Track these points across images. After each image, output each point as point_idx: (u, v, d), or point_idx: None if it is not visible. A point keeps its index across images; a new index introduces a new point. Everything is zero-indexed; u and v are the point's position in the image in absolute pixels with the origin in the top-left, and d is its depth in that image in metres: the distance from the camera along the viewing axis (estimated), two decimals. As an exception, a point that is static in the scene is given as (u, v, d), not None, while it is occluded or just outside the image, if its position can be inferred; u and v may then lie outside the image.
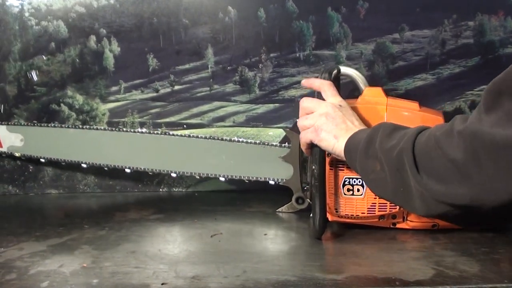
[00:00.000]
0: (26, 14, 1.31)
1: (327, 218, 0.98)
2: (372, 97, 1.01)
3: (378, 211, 0.99)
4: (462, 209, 0.69)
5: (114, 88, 1.36)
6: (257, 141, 1.21)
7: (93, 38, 1.34)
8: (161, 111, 1.38)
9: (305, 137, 0.94)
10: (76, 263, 0.86)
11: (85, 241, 0.98)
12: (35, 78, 1.34)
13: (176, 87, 1.38)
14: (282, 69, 1.38)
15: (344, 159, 0.89)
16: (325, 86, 0.96)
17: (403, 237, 1.00)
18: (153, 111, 1.38)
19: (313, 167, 0.93)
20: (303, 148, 0.98)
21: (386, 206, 0.99)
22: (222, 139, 1.22)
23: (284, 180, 1.17)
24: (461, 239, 0.99)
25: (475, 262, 0.86)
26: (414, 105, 1.01)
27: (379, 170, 0.80)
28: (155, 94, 1.38)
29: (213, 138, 1.23)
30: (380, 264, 0.86)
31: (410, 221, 1.02)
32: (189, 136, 1.25)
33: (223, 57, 1.37)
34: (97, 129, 1.27)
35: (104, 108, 1.36)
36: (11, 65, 1.33)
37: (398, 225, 1.02)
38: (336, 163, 0.99)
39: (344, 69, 1.02)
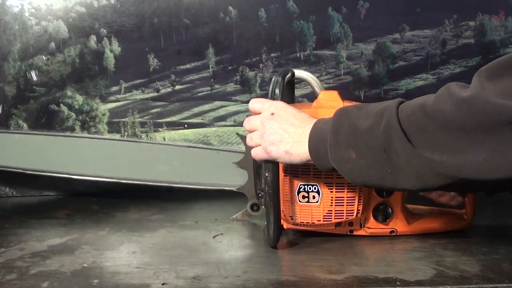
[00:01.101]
0: (26, 14, 1.31)
1: (282, 226, 0.95)
2: (328, 101, 0.97)
3: (335, 218, 0.96)
4: (465, 180, 0.67)
5: (114, 88, 1.36)
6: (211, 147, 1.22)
7: (93, 38, 1.34)
8: (162, 111, 1.38)
9: (258, 157, 0.89)
10: (77, 263, 0.86)
11: (85, 241, 0.98)
12: (34, 78, 1.34)
13: (177, 87, 1.38)
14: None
15: (307, 162, 0.84)
16: (253, 104, 0.90)
17: (404, 237, 1.00)
18: (154, 111, 1.38)
19: (267, 174, 0.89)
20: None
21: (343, 213, 0.96)
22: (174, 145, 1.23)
23: (239, 187, 1.13)
24: (462, 239, 0.99)
25: (475, 262, 0.86)
26: None
27: (355, 158, 0.76)
28: (156, 94, 1.38)
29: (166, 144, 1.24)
30: (381, 264, 0.86)
31: (368, 227, 0.99)
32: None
33: (224, 57, 1.37)
34: (39, 134, 1.25)
35: (104, 108, 1.36)
36: (10, 65, 1.33)
37: (355, 232, 1.00)
38: (291, 169, 0.94)
39: (298, 73, 0.98)
